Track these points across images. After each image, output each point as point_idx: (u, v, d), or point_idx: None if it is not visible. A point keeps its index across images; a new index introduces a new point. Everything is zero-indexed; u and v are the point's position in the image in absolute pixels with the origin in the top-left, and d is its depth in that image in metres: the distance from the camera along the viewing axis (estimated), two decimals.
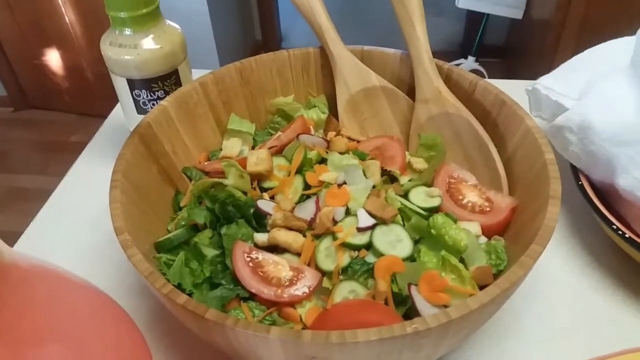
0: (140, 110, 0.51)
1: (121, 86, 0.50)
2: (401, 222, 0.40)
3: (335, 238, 0.38)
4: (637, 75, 0.44)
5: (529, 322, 0.43)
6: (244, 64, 0.51)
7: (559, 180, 0.37)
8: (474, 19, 2.15)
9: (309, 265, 0.38)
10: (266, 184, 0.45)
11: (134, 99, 0.51)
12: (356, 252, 0.38)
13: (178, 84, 0.51)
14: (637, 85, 0.44)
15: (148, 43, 0.48)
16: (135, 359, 0.28)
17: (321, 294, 0.37)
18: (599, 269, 0.47)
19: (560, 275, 0.47)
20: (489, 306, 0.31)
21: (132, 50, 0.48)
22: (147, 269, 0.33)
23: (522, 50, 2.01)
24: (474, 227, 0.41)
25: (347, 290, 0.36)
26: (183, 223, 0.42)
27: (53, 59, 2.12)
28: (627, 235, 0.41)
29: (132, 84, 0.50)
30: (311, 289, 0.36)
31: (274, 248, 0.40)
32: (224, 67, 0.51)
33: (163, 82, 0.50)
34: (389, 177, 0.45)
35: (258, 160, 0.45)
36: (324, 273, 0.38)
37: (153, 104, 0.51)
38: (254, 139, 0.51)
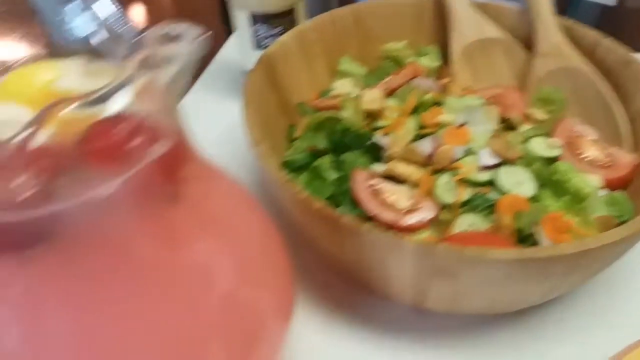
0: (258, 45, 0.53)
1: (242, 20, 0.52)
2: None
3: (454, 174, 0.39)
4: None
5: None
6: (359, 7, 0.52)
7: None
8: (564, 6, 2.08)
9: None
10: (378, 123, 0.46)
11: (253, 34, 0.52)
12: (477, 189, 0.38)
13: (295, 22, 0.52)
14: None
15: None
16: (280, 265, 0.30)
17: (438, 225, 0.38)
18: None
19: None
20: (621, 244, 0.31)
21: None
22: (284, 175, 0.34)
23: (614, 38, 1.93)
24: (595, 180, 0.40)
25: (467, 223, 0.37)
26: (301, 150, 0.43)
27: None
28: None
29: (253, 18, 0.51)
30: (429, 218, 0.37)
31: (390, 179, 0.40)
32: (340, 8, 0.51)
33: (282, 18, 0.51)
34: (507, 126, 0.44)
35: (372, 99, 0.46)
36: (442, 206, 0.38)
37: (271, 40, 0.52)
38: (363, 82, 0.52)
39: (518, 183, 0.38)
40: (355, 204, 0.38)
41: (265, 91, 0.45)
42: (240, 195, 0.29)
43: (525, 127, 0.44)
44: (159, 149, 0.20)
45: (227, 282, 0.25)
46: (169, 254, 0.23)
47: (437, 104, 0.45)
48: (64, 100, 0.16)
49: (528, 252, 0.29)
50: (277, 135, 0.46)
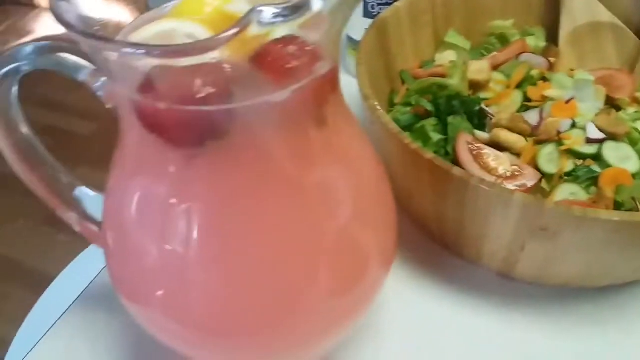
0: (367, 13, 0.55)
1: None
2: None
3: (560, 145, 0.39)
4: None
5: None
6: None
7: None
8: None
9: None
10: (482, 95, 0.47)
11: (364, 1, 0.54)
12: (581, 161, 0.39)
13: None
14: None
15: None
16: (389, 212, 0.31)
17: (536, 193, 0.39)
18: None
19: None
20: None
21: None
22: (396, 127, 0.36)
23: None
24: None
25: (568, 192, 0.38)
26: (405, 111, 0.45)
27: None
28: None
29: None
30: (530, 185, 0.38)
31: (493, 147, 0.41)
32: None
33: None
34: (613, 108, 0.44)
35: (479, 69, 0.47)
36: (543, 175, 0.39)
37: (381, 8, 0.54)
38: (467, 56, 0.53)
39: (623, 158, 0.38)
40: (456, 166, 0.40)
41: (375, 54, 0.47)
42: (363, 136, 0.31)
43: (632, 110, 0.44)
44: (320, 70, 0.23)
45: (345, 213, 0.27)
46: (305, 173, 0.26)
47: (544, 79, 0.46)
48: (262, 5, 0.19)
49: (636, 215, 0.30)
50: (380, 99, 0.48)
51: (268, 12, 0.19)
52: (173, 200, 0.24)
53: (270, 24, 0.19)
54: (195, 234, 0.24)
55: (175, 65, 0.20)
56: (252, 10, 0.18)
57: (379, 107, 0.38)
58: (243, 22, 0.19)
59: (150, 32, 0.25)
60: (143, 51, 0.18)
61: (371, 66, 0.45)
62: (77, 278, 0.46)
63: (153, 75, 0.20)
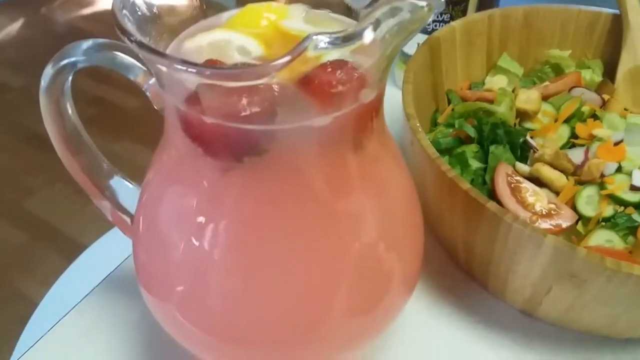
0: (424, 29, 0.54)
1: None
2: None
3: (602, 188, 0.38)
4: None
5: None
6: (532, 8, 0.52)
7: None
8: None
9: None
10: (527, 125, 0.46)
11: None
12: (622, 208, 0.38)
13: (464, 12, 0.53)
14: None
15: None
16: (416, 238, 0.31)
17: (568, 235, 0.38)
18: None
19: None
20: None
21: None
22: (435, 152, 0.36)
23: None
24: None
25: (604, 239, 0.37)
26: (447, 134, 0.45)
27: None
28: None
29: None
30: (566, 225, 0.37)
31: (532, 181, 0.41)
32: (512, 6, 0.52)
33: (454, 7, 0.52)
34: None
35: (528, 99, 0.46)
36: (580, 217, 0.38)
37: (437, 26, 0.53)
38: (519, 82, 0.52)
39: None
40: (491, 196, 0.39)
41: (424, 71, 0.47)
42: (399, 160, 0.31)
43: None
44: (365, 97, 0.23)
45: (373, 238, 0.28)
46: (337, 196, 0.26)
47: (595, 117, 0.45)
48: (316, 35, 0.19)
49: None
50: (423, 117, 0.48)
51: (322, 41, 0.19)
52: (205, 207, 0.25)
53: (321, 50, 0.19)
54: (221, 242, 0.25)
55: (223, 85, 0.20)
56: (306, 38, 0.18)
57: (420, 130, 0.37)
58: (297, 51, 0.19)
59: (205, 40, 0.25)
60: (194, 70, 0.18)
61: (418, 82, 0.45)
62: (106, 252, 0.48)
63: (200, 90, 0.21)
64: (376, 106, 0.24)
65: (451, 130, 0.45)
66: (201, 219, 0.24)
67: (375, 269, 0.28)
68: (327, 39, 0.19)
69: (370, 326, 0.30)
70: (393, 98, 0.38)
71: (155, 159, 0.27)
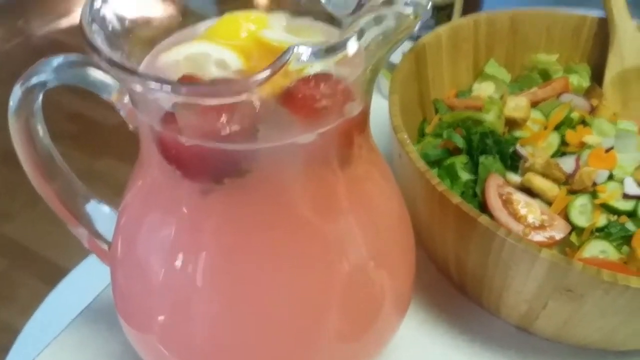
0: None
1: None
2: None
3: (594, 197, 0.38)
4: None
5: None
6: (517, 13, 0.51)
7: None
8: None
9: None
10: (516, 133, 0.45)
11: None
12: (615, 217, 0.37)
13: (449, 17, 0.53)
14: None
15: None
16: (407, 258, 0.30)
17: (562, 246, 0.37)
18: None
19: None
20: None
21: None
22: (424, 166, 0.35)
23: None
24: None
25: (598, 249, 0.36)
26: (435, 145, 0.44)
27: None
28: None
29: None
30: (559, 237, 0.36)
31: (523, 191, 0.40)
32: (498, 11, 0.51)
33: (439, 11, 0.51)
34: None
35: (517, 106, 0.45)
36: (573, 228, 0.37)
37: (422, 32, 0.52)
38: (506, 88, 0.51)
39: None
40: (482, 208, 0.38)
41: (411, 79, 0.46)
42: (387, 175, 0.30)
43: None
44: (350, 111, 0.22)
45: (362, 258, 0.26)
46: (323, 216, 0.25)
47: (584, 123, 0.44)
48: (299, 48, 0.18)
49: None
50: (411, 127, 0.47)
51: (304, 53, 0.18)
52: (184, 233, 0.23)
53: (304, 62, 0.18)
54: (202, 268, 0.23)
55: (200, 103, 0.19)
56: (287, 51, 0.17)
57: (408, 142, 0.36)
58: (278, 64, 0.18)
59: (182, 54, 0.24)
60: (169, 88, 0.17)
61: (405, 92, 0.44)
62: (89, 276, 0.46)
63: (177, 109, 0.19)
64: (362, 120, 0.23)
65: (439, 140, 0.44)
66: (181, 246, 0.23)
67: (366, 290, 0.27)
68: (310, 51, 0.17)
69: (363, 351, 0.29)
70: (379, 108, 0.37)
71: (132, 182, 0.26)
